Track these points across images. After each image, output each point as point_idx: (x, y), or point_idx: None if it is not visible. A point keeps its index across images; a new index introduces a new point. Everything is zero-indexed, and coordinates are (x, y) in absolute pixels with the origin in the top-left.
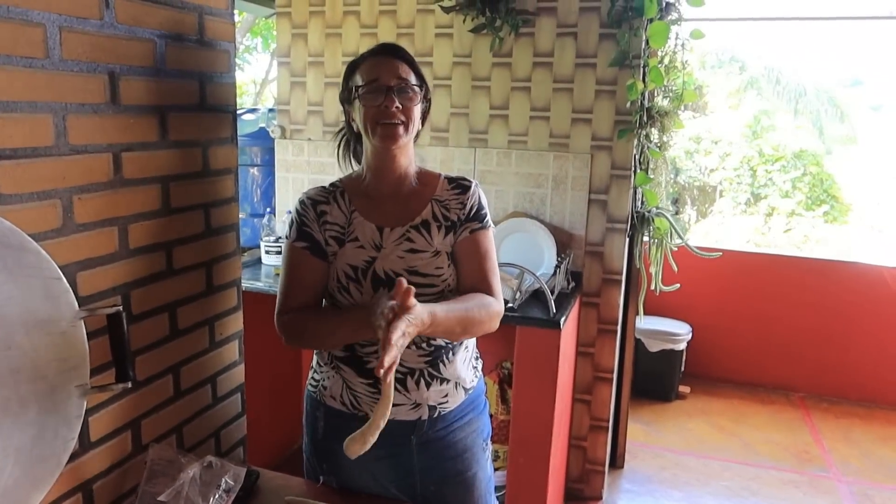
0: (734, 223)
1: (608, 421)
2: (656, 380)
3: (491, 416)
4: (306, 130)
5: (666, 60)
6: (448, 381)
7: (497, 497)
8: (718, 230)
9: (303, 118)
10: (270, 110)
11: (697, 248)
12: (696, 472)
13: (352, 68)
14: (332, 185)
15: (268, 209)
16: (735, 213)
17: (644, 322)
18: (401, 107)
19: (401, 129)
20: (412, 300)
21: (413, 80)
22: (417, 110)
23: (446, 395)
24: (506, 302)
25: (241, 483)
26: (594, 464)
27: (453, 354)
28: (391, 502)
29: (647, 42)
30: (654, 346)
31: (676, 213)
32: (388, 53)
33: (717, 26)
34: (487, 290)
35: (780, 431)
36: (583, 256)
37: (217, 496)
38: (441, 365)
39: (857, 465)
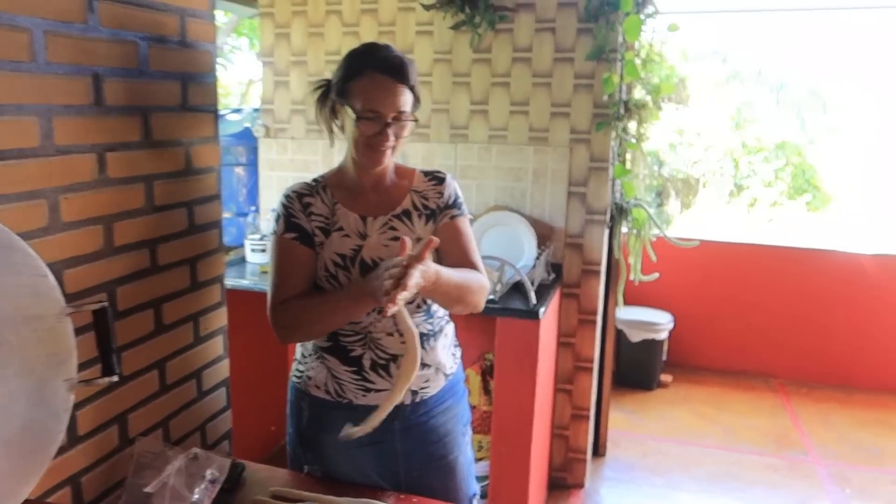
0: (718, 214)
1: (590, 410)
2: (638, 369)
3: (474, 407)
4: (290, 129)
5: (643, 53)
6: (429, 366)
7: (481, 487)
8: (703, 221)
9: (286, 117)
10: (255, 110)
11: (676, 238)
12: (677, 458)
13: (350, 71)
14: (314, 180)
15: (252, 208)
16: (719, 203)
17: (626, 312)
18: (394, 137)
19: (388, 153)
20: (426, 252)
21: (409, 106)
22: (408, 131)
23: (427, 381)
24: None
25: (227, 474)
26: (576, 452)
27: (434, 341)
28: (373, 491)
29: (624, 36)
30: (635, 336)
31: (660, 204)
32: (393, 75)
33: (700, 19)
34: (474, 269)
35: (761, 417)
36: (563, 248)
37: (203, 487)
38: (422, 351)
39: (836, 449)
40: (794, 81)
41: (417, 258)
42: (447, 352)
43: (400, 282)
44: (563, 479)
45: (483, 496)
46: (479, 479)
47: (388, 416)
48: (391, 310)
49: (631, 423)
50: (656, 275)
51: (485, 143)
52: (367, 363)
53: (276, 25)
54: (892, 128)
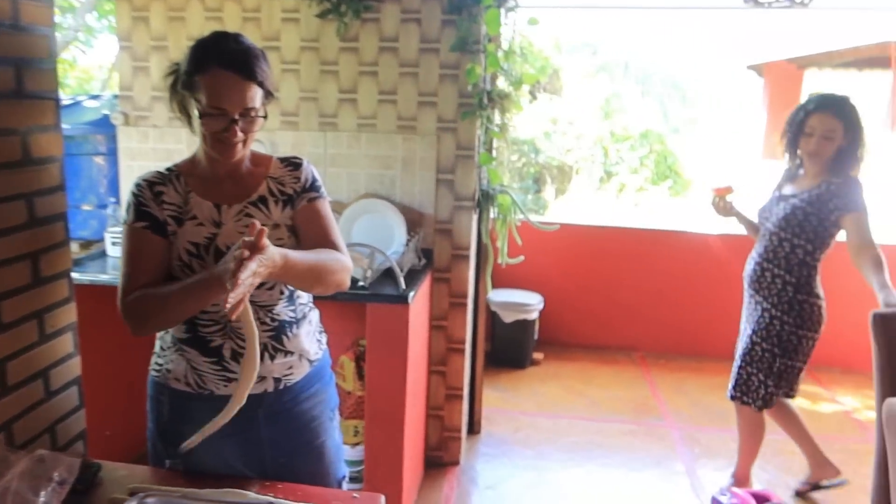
0: (591, 199)
1: (463, 389)
2: (512, 349)
3: (349, 392)
4: (151, 117)
5: (505, 46)
6: (292, 353)
7: (357, 471)
8: (577, 206)
9: (147, 104)
10: (115, 97)
11: (539, 222)
12: (547, 431)
13: (196, 64)
14: (167, 169)
15: (112, 199)
16: (591, 189)
17: (499, 294)
18: (243, 133)
19: (239, 147)
20: (265, 241)
21: (258, 100)
22: (258, 125)
23: (291, 368)
24: (356, 281)
25: (77, 475)
26: (451, 431)
27: (297, 328)
28: (237, 481)
29: (486, 28)
30: (508, 317)
31: (538, 191)
32: (238, 71)
33: (571, 13)
34: (334, 248)
35: (623, 388)
36: (433, 234)
37: (50, 489)
38: (284, 338)
39: (688, 413)
40: (657, 74)
41: (255, 249)
42: (311, 338)
43: (234, 274)
44: (440, 457)
45: (360, 480)
46: (356, 463)
47: (251, 405)
48: (230, 302)
49: (505, 400)
50: (521, 258)
51: (354, 131)
52: (227, 353)
53: (134, 8)
54: (740, 119)
